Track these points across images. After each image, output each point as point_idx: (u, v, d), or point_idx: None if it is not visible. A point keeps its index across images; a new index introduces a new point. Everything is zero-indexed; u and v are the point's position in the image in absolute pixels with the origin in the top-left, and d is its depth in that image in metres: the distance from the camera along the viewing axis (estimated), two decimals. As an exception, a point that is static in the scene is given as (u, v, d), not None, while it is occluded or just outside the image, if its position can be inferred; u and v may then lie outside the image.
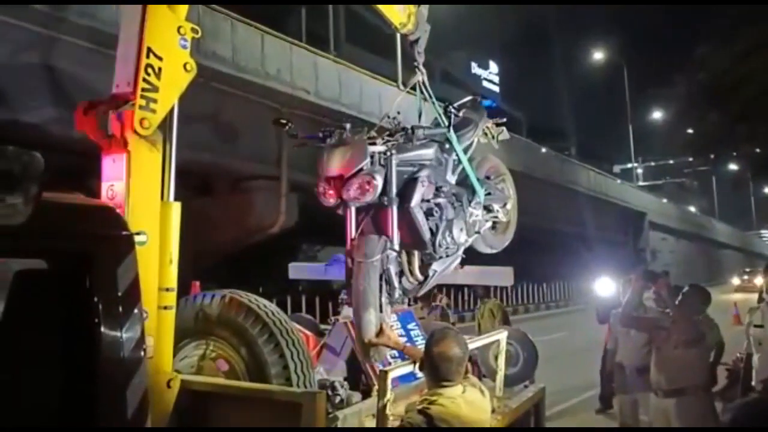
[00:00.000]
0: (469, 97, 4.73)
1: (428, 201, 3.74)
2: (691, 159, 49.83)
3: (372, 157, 3.37)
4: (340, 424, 3.34)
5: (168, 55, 2.71)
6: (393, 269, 3.42)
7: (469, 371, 2.69)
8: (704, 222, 52.21)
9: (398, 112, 3.84)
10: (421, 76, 4.26)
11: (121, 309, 1.89)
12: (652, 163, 53.09)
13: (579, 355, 11.39)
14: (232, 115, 12.84)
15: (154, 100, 2.64)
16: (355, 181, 3.30)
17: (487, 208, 4.47)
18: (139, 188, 2.58)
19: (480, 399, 2.59)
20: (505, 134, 4.95)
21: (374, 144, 3.42)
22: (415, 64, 4.25)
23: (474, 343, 4.37)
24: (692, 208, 54.31)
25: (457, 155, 4.16)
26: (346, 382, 3.54)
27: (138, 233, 2.43)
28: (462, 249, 4.15)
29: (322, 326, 4.68)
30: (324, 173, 3.40)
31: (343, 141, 3.43)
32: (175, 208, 2.72)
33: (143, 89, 2.61)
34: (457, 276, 5.13)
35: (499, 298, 24.53)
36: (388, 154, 3.41)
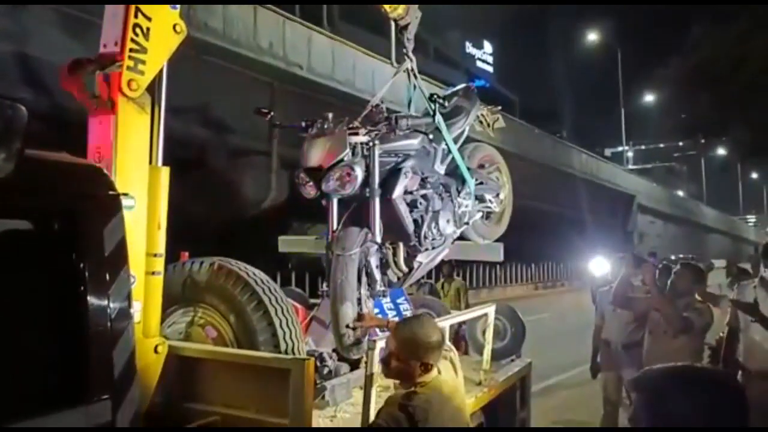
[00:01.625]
0: (462, 85, 4.67)
1: (412, 192, 3.68)
2: (681, 143, 50.06)
3: (354, 147, 3.31)
4: (328, 395, 3.35)
5: (157, 15, 2.64)
6: (374, 262, 3.36)
7: None
8: (692, 206, 52.54)
9: (381, 102, 3.75)
10: (410, 64, 4.18)
11: (107, 271, 1.87)
12: (643, 147, 53.28)
13: (565, 334, 11.51)
14: (223, 89, 12.68)
15: (143, 62, 2.57)
16: (334, 173, 3.24)
17: (479, 198, 4.43)
18: (127, 151, 2.53)
19: (453, 376, 2.50)
20: (500, 122, 4.89)
21: (356, 134, 3.35)
22: (405, 50, 4.17)
23: (462, 317, 4.41)
24: (681, 192, 54.63)
25: (446, 144, 4.10)
26: (334, 353, 3.55)
27: (125, 195, 2.39)
28: (450, 240, 4.11)
29: (312, 300, 4.68)
30: (304, 164, 3.34)
31: (323, 131, 3.35)
32: (164, 173, 2.67)
33: (131, 50, 2.54)
34: (448, 251, 5.15)
35: (488, 277, 24.79)
36: (371, 144, 3.35)
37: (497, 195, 4.64)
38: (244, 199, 14.89)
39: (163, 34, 2.65)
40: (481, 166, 4.60)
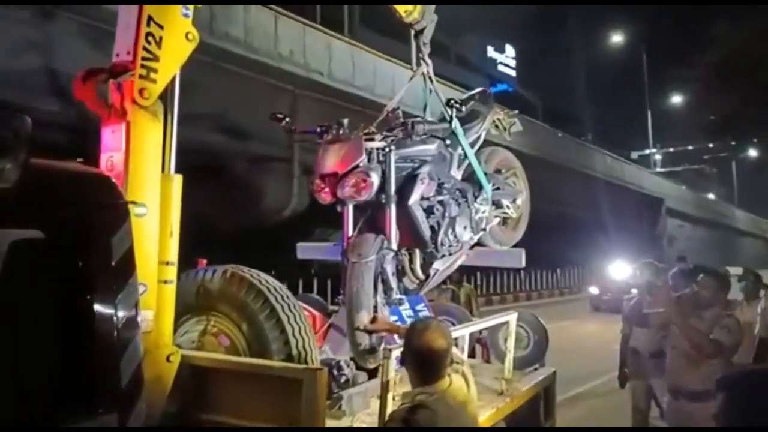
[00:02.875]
0: (478, 89, 4.61)
1: (429, 198, 3.63)
2: (710, 145, 49.01)
3: (369, 153, 3.27)
4: (344, 404, 3.29)
5: (169, 23, 2.65)
6: (390, 269, 3.32)
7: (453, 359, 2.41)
8: (723, 209, 51.40)
9: (397, 107, 3.69)
10: (426, 68, 4.15)
11: (114, 279, 1.85)
12: (671, 149, 52.27)
13: (591, 342, 11.31)
14: (245, 96, 12.77)
15: (155, 70, 2.58)
16: (350, 179, 3.20)
17: (496, 204, 4.37)
18: (139, 160, 2.53)
19: (464, 389, 2.34)
20: (517, 126, 4.81)
21: (372, 140, 3.31)
22: (420, 55, 4.15)
23: (483, 325, 4.32)
24: (711, 195, 53.47)
25: (462, 149, 4.05)
26: (352, 362, 3.49)
27: (137, 205, 2.39)
28: (467, 247, 4.05)
29: (332, 307, 4.65)
30: (319, 170, 3.32)
31: (339, 137, 3.32)
32: (177, 181, 2.66)
33: (143, 58, 2.55)
34: (468, 257, 5.07)
35: (511, 284, 24.55)
36: (387, 150, 3.31)
37: (514, 200, 4.57)
38: (267, 206, 14.96)
39: (175, 42, 2.65)
40: (498, 171, 4.54)
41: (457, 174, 4.06)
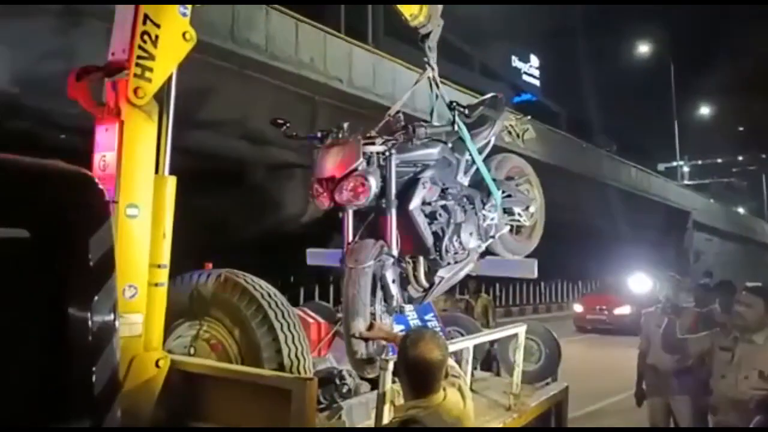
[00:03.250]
0: (489, 95, 4.47)
1: (431, 203, 3.54)
2: (740, 158, 48.04)
3: (369, 157, 3.19)
4: (345, 414, 3.20)
5: (166, 22, 2.61)
6: (390, 276, 3.21)
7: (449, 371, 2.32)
8: (753, 224, 50.24)
9: (398, 111, 3.62)
10: (431, 72, 4.08)
11: (91, 282, 1.78)
12: (699, 162, 51.33)
13: (612, 356, 11.03)
14: (265, 103, 12.83)
15: (150, 69, 2.53)
16: (347, 183, 3.12)
17: (507, 211, 4.26)
18: (132, 160, 2.48)
19: (460, 404, 2.22)
20: (531, 132, 4.71)
21: (372, 144, 3.24)
22: (426, 59, 4.07)
23: (489, 337, 4.20)
24: (740, 209, 52.33)
25: (470, 155, 3.96)
26: (355, 372, 3.40)
27: (129, 206, 2.34)
28: (474, 255, 3.94)
29: (339, 315, 4.57)
30: (317, 174, 3.25)
31: (337, 141, 3.26)
32: (170, 183, 2.62)
33: (138, 57, 2.51)
34: (478, 267, 4.96)
35: (531, 295, 24.27)
36: (387, 154, 3.23)
37: (527, 208, 4.43)
38: (284, 213, 14.98)
39: (172, 41, 2.61)
40: (510, 178, 4.41)
41: (464, 180, 3.97)
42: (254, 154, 14.11)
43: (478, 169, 3.99)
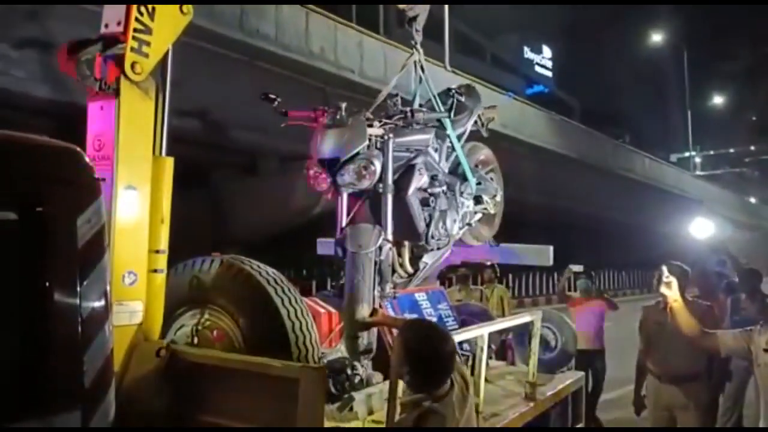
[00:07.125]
0: (464, 83, 4.57)
1: (425, 190, 3.55)
2: (752, 147, 47.43)
3: (369, 140, 3.13)
4: (356, 406, 3.08)
5: (163, -7, 2.46)
6: (387, 262, 3.18)
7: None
8: (766, 213, 49.64)
9: (397, 93, 3.58)
10: (417, 55, 4.08)
11: (79, 264, 1.66)
12: (711, 152, 50.68)
13: (630, 345, 10.83)
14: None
15: (147, 43, 2.40)
16: (351, 166, 3.06)
17: (477, 199, 4.29)
18: (130, 139, 2.36)
19: (464, 390, 2.14)
20: (495, 121, 4.71)
21: (371, 126, 3.18)
22: (413, 42, 4.07)
23: (503, 325, 4.08)
24: (753, 199, 51.68)
25: (450, 142, 3.99)
26: (367, 362, 3.29)
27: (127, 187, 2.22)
28: (452, 241, 3.95)
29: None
30: (318, 155, 3.15)
31: (339, 122, 3.16)
32: (168, 164, 2.49)
33: (135, 30, 2.37)
34: (494, 254, 4.84)
35: (544, 286, 24.06)
36: (386, 138, 3.18)
37: (494, 196, 4.45)
38: (297, 203, 14.86)
39: (169, 13, 2.48)
40: (476, 167, 4.39)
41: (445, 166, 3.97)
42: (266, 145, 14.00)
43: (456, 156, 4.01)
